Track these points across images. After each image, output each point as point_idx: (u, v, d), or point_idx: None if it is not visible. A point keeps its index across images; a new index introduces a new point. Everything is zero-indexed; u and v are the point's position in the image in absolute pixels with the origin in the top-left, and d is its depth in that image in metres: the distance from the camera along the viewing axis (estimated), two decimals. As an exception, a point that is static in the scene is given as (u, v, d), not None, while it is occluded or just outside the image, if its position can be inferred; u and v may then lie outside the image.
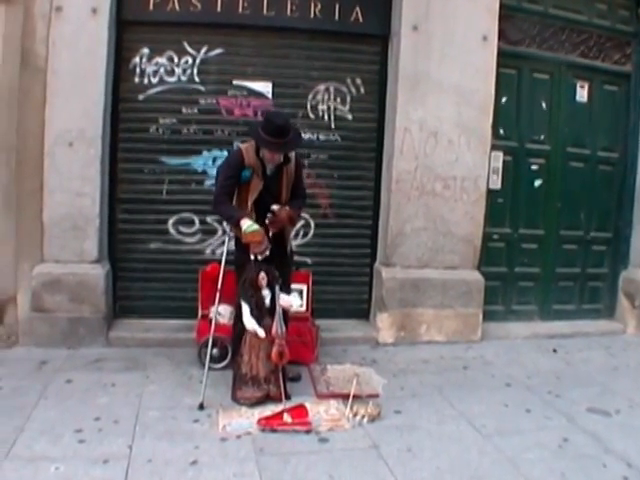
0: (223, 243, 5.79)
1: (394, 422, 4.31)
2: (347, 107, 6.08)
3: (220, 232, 5.91)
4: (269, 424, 4.10)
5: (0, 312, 5.47)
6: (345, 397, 4.51)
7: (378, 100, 6.13)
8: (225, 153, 5.76)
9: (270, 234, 4.55)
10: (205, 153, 5.89)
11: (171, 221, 5.90)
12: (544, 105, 6.67)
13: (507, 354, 5.95)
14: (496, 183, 6.46)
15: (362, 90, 6.10)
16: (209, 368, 4.78)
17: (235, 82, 5.85)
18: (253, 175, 4.51)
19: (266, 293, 4.47)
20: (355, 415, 4.31)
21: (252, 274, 4.45)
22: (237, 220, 4.42)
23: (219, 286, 4.72)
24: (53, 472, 3.43)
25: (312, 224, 6.14)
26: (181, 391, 4.65)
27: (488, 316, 6.39)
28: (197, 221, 5.93)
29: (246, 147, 4.58)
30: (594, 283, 7.16)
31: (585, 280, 7.10)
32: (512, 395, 4.93)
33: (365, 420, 4.27)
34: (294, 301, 4.65)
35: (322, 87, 6.01)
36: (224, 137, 5.88)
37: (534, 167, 6.72)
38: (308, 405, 4.40)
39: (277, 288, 4.48)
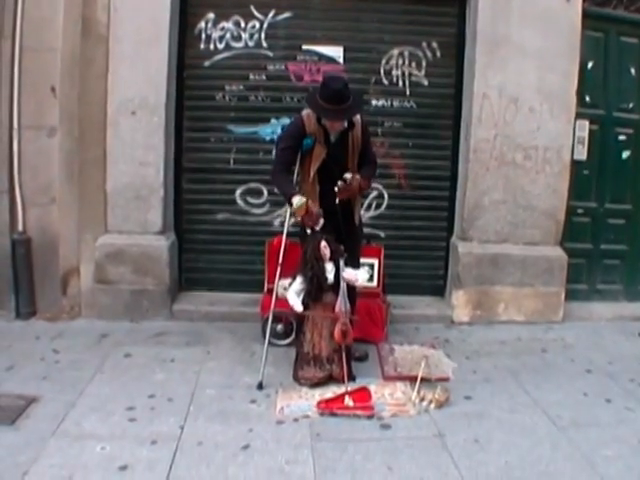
0: (292, 214, 5.66)
1: (463, 409, 4.05)
2: (422, 72, 5.75)
3: (289, 203, 5.73)
4: (329, 407, 3.90)
5: (63, 283, 5.48)
6: (413, 380, 4.29)
7: (455, 65, 5.77)
8: (295, 121, 5.60)
9: (337, 201, 4.33)
10: (273, 121, 5.69)
11: (239, 191, 5.76)
12: (633, 71, 6.13)
13: (589, 337, 5.57)
14: (581, 154, 6.01)
15: (438, 54, 5.75)
16: (272, 344, 4.66)
17: (304, 47, 5.60)
18: (315, 143, 4.29)
19: (330, 268, 4.28)
20: (422, 400, 4.07)
21: (314, 243, 4.26)
22: (289, 197, 4.24)
23: (280, 259, 4.53)
24: (98, 452, 3.34)
25: (385, 195, 5.88)
26: (241, 369, 4.51)
27: (570, 295, 5.98)
28: (265, 191, 5.76)
29: (307, 114, 4.34)
30: (686, 262, 6.65)
31: None
32: (592, 383, 4.59)
33: (432, 406, 4.02)
34: (360, 275, 4.43)
35: (396, 51, 5.69)
36: (293, 104, 5.63)
37: (622, 137, 6.21)
38: (372, 387, 4.19)
39: (342, 262, 4.28)
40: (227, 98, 5.63)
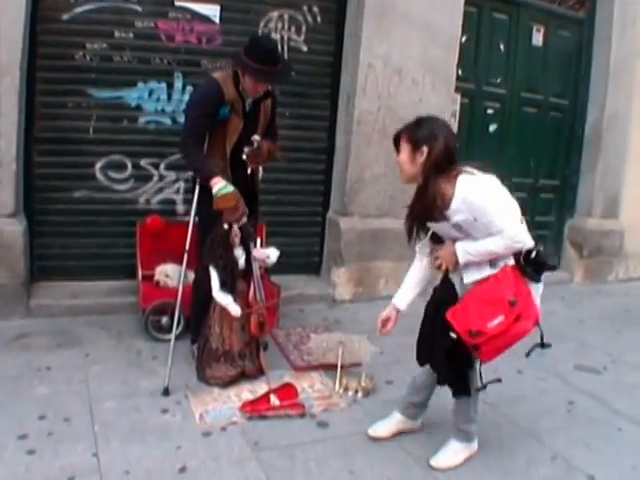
0: (160, 190, 5.12)
1: (390, 395, 3.84)
2: (302, 38, 5.36)
3: (156, 177, 5.11)
4: (256, 410, 3.50)
5: None
6: (325, 368, 4.07)
7: (335, 31, 5.46)
8: (163, 85, 4.99)
9: (249, 171, 3.94)
10: (140, 85, 4.95)
11: (99, 165, 4.96)
12: (502, 47, 6.33)
13: None
14: (453, 127, 5.99)
15: (319, 19, 5.40)
16: (157, 340, 4.26)
17: (177, 3, 4.91)
18: (232, 113, 3.78)
19: (240, 253, 3.81)
20: (346, 390, 3.84)
21: (223, 231, 3.74)
22: (208, 176, 3.69)
23: (187, 246, 3.94)
24: (7, 500, 2.64)
25: (260, 168, 5.39)
26: (133, 372, 3.90)
27: (440, 266, 6.01)
28: (129, 165, 5.03)
29: (223, 78, 3.80)
30: (541, 232, 6.94)
31: (533, 228, 6.73)
32: None
33: (359, 395, 3.83)
34: (272, 253, 4.00)
35: (275, 14, 5.23)
36: (163, 67, 4.98)
37: (490, 111, 6.41)
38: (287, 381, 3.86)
39: (252, 245, 3.86)
40: (88, 58, 4.77)
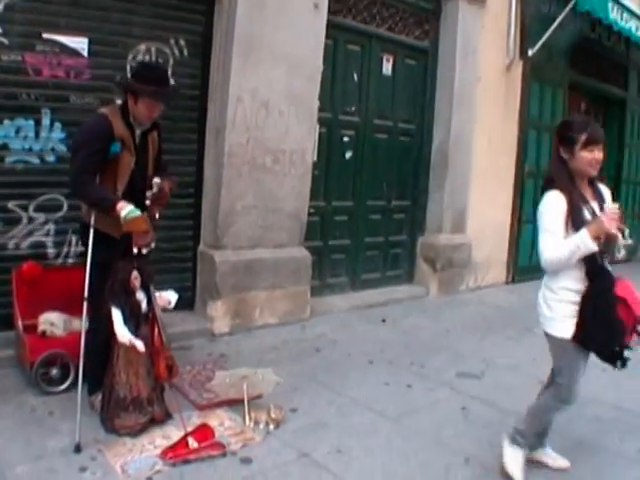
0: (30, 234, 4.82)
1: (299, 423, 3.97)
2: (169, 71, 5.17)
3: (25, 220, 4.78)
4: (178, 455, 3.42)
5: None
6: (229, 404, 4.07)
7: (202, 65, 5.47)
8: (31, 122, 4.69)
9: (157, 216, 3.84)
10: (6, 122, 4.60)
11: (-36, 210, 4.59)
12: (355, 77, 6.67)
13: (343, 330, 5.94)
14: (313, 156, 6.21)
15: (185, 53, 5.37)
16: (48, 393, 4.01)
17: (45, 35, 4.66)
18: (123, 150, 3.66)
19: (141, 296, 3.73)
20: (256, 423, 3.86)
21: (123, 274, 3.65)
22: (113, 204, 3.52)
23: (86, 293, 3.67)
24: None
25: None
26: (34, 431, 3.62)
27: (306, 292, 6.27)
28: (-5, 209, 4.70)
29: (111, 112, 3.68)
30: (395, 250, 7.46)
31: (388, 248, 7.36)
32: (383, 372, 4.91)
33: (271, 427, 3.86)
34: (172, 298, 3.97)
35: (143, 47, 5.12)
36: (30, 102, 4.68)
37: (346, 139, 6.71)
38: (196, 421, 3.82)
39: (152, 288, 3.80)
40: (-51, 95, 4.41)
